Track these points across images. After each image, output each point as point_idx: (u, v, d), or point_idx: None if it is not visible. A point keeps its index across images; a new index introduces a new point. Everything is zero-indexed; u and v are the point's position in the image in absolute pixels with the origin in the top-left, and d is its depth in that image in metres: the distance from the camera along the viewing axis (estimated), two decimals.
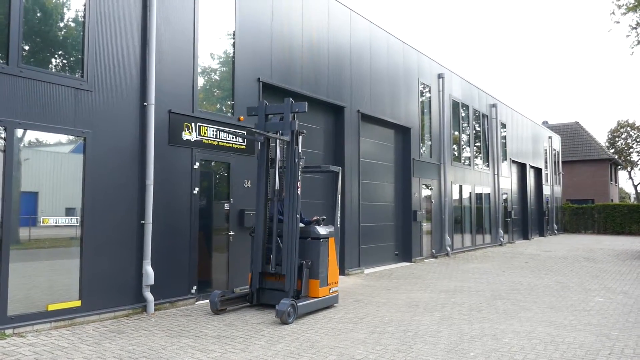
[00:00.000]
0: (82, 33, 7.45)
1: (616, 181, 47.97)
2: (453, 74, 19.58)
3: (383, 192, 15.18)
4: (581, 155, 44.00)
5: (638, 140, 59.19)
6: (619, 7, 19.84)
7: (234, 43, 9.91)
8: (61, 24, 7.36)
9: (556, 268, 14.76)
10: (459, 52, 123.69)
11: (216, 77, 9.95)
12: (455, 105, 19.73)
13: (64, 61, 7.38)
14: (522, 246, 23.30)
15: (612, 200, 42.85)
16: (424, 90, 17.36)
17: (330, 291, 8.67)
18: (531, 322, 7.73)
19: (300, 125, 8.80)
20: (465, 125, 20.79)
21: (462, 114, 20.46)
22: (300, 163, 8.42)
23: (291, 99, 8.66)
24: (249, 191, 9.88)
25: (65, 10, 7.38)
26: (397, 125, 15.72)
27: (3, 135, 6.50)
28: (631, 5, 19.87)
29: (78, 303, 7.18)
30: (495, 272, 13.73)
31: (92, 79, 7.49)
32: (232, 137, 9.64)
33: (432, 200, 17.51)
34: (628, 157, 59.48)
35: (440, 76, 18.30)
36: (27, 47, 6.86)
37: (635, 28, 20.45)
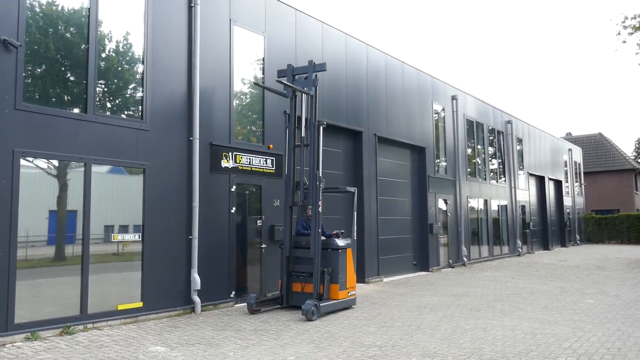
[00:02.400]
0: (141, 83, 9.16)
1: None
2: (467, 94, 20.91)
3: (401, 207, 16.56)
4: (605, 166, 44.37)
5: None
6: (625, 27, 20.89)
7: (263, 82, 11.53)
8: (125, 76, 9.07)
9: (564, 275, 15.87)
10: (478, 72, 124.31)
11: (249, 112, 11.57)
12: (470, 124, 21.03)
13: (128, 107, 9.09)
14: (540, 256, 24.26)
15: (637, 210, 43.04)
16: (438, 112, 18.73)
17: (349, 294, 10.12)
18: (521, 319, 9.02)
19: (324, 149, 10.37)
20: (480, 142, 22.02)
21: (477, 131, 21.71)
22: (321, 185, 9.95)
23: (313, 61, 10.59)
24: (278, 209, 11.41)
25: (127, 64, 9.10)
26: (413, 146, 17.12)
27: (83, 170, 8.19)
28: (638, 26, 20.89)
29: (140, 304, 8.80)
30: (504, 280, 14.94)
31: (149, 120, 9.17)
32: (264, 163, 11.23)
33: (449, 214, 18.78)
34: None
35: (453, 98, 19.65)
36: (100, 98, 8.57)
37: None
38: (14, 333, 7.17)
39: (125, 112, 9.04)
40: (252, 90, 11.50)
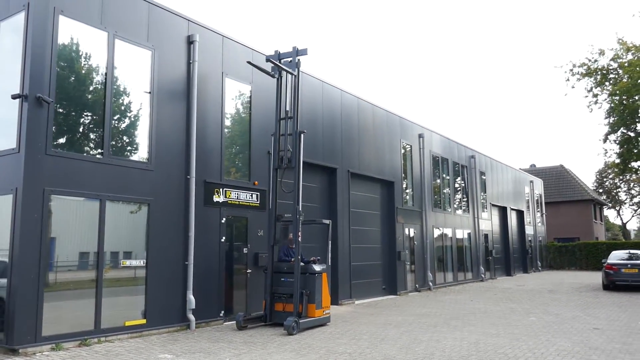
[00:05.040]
0: (148, 130, 10.68)
1: (601, 220, 50.79)
2: (433, 132, 22.87)
3: (371, 236, 18.18)
4: (566, 196, 46.97)
5: (624, 180, 62.17)
6: (573, 74, 23.23)
7: (249, 126, 13.15)
8: (134, 125, 10.58)
9: (517, 298, 17.61)
10: (445, 109, 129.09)
11: (237, 153, 13.14)
12: (435, 159, 22.94)
13: (136, 151, 10.58)
14: (501, 282, 26.08)
15: (596, 238, 45.56)
16: (406, 149, 20.56)
17: (324, 313, 11.63)
18: (470, 333, 10.63)
19: (303, 185, 11.98)
20: (445, 175, 23.94)
21: (442, 166, 23.64)
22: (300, 218, 11.52)
23: (297, 47, 12.32)
24: (262, 238, 12.91)
25: (136, 114, 10.62)
26: (382, 180, 18.86)
27: (99, 206, 9.63)
28: (585, 72, 23.26)
29: (144, 321, 10.16)
30: (464, 302, 16.59)
31: (153, 161, 10.68)
32: (250, 197, 12.77)
33: (415, 242, 20.48)
34: (616, 196, 62.46)
35: (420, 136, 21.55)
36: (114, 143, 10.07)
37: (590, 90, 23.77)
38: (42, 344, 8.50)
39: (134, 155, 10.53)
40: (236, 125, 13.09)
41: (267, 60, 12.14)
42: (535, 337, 10.07)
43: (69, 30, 9.45)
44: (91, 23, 9.78)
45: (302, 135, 12.04)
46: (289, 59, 12.43)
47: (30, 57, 8.84)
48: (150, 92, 10.80)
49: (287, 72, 12.23)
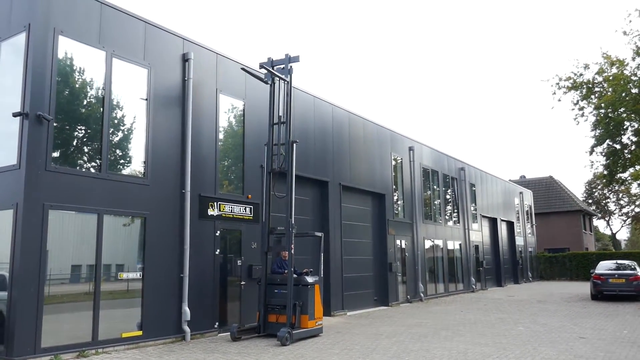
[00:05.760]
0: (144, 146, 10.95)
1: (591, 230, 51.39)
2: (423, 145, 23.26)
3: (363, 248, 18.46)
4: (556, 207, 47.51)
5: (613, 190, 62.89)
6: (560, 88, 23.74)
7: (243, 141, 13.45)
8: (131, 141, 10.85)
9: (507, 308, 17.92)
10: (439, 119, 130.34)
11: (231, 168, 13.42)
12: (426, 172, 23.32)
13: (133, 166, 10.84)
14: (491, 292, 26.38)
15: (586, 248, 46.06)
16: (396, 162, 20.92)
17: (317, 324, 11.87)
18: (459, 342, 10.91)
19: (295, 198, 12.26)
20: (435, 187, 24.31)
21: (432, 178, 24.01)
22: (293, 231, 11.80)
23: (289, 54, 12.72)
24: (255, 251, 13.16)
25: (133, 131, 10.89)
26: (374, 193, 19.18)
27: (96, 220, 9.86)
28: (570, 86, 23.76)
29: (140, 333, 10.36)
30: (454, 313, 16.87)
31: (150, 176, 10.94)
32: (243, 211, 13.04)
33: (407, 254, 20.77)
34: (605, 207, 63.13)
35: (410, 149, 21.93)
36: (111, 159, 10.33)
37: (577, 104, 24.25)
38: (41, 355, 8.69)
39: (131, 171, 10.79)
40: (230, 140, 13.39)
41: (261, 67, 12.48)
42: (522, 346, 10.36)
43: (68, 50, 9.75)
44: (90, 43, 10.08)
45: (294, 144, 12.35)
46: (282, 66, 12.83)
47: (31, 76, 9.12)
48: (146, 109, 11.09)
49: (279, 78, 12.58)
